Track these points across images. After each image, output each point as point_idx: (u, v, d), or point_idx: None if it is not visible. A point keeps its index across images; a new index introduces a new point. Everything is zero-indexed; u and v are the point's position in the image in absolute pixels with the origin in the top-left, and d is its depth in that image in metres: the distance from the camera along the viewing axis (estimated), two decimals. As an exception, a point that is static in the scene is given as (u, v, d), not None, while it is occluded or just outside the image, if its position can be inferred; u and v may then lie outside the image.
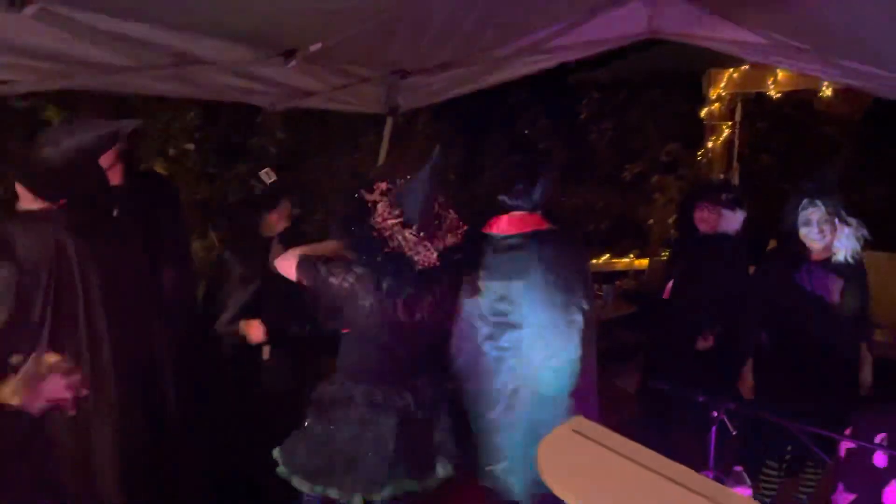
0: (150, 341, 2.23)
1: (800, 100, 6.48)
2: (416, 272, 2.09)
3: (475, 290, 2.33)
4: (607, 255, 6.86)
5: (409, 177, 2.16)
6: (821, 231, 2.79)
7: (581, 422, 1.37)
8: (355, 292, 2.13)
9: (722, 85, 5.91)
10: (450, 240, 2.19)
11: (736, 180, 5.98)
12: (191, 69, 2.43)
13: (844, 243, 2.79)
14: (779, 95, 5.74)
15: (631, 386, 4.31)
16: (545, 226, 2.39)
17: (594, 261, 6.51)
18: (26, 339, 1.84)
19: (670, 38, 3.35)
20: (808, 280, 2.84)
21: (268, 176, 2.79)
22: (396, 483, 2.14)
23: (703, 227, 3.51)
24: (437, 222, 2.19)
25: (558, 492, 1.23)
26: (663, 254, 6.13)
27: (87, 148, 2.01)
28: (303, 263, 2.18)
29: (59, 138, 1.97)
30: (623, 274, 6.55)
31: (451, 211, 2.25)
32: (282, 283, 2.27)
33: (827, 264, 2.83)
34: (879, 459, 2.03)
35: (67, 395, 1.42)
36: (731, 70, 5.77)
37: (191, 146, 5.04)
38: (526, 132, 7.34)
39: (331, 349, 2.35)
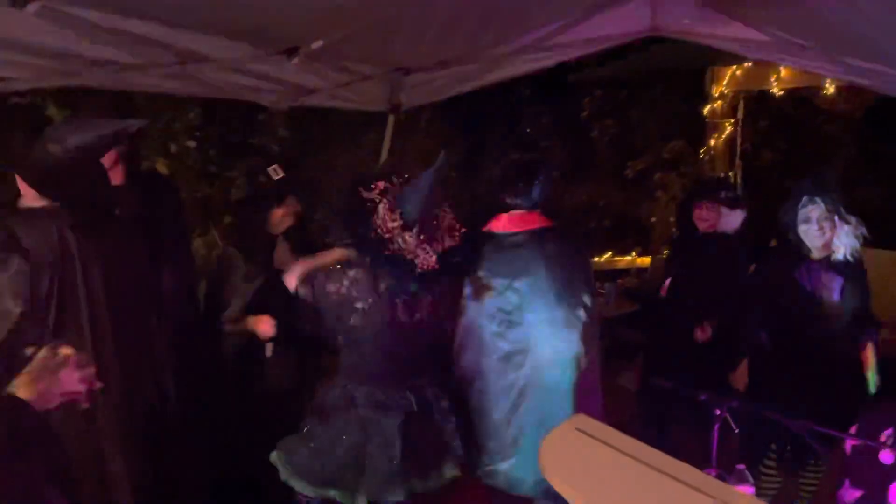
0: (151, 340, 2.23)
1: (801, 97, 6.47)
2: (417, 274, 2.10)
3: (479, 290, 2.33)
4: (609, 253, 6.85)
5: (409, 177, 2.17)
6: (820, 228, 2.78)
7: (583, 419, 1.36)
8: (353, 294, 2.14)
9: (725, 82, 5.90)
10: (448, 242, 2.20)
11: (738, 178, 5.97)
12: (193, 67, 2.43)
13: (844, 241, 2.78)
14: (781, 93, 5.73)
15: (632, 384, 4.31)
16: (546, 223, 2.40)
17: (596, 259, 6.50)
18: (38, 332, 1.86)
19: (673, 35, 3.34)
20: (808, 278, 2.83)
21: (275, 173, 2.78)
22: (405, 485, 2.13)
23: (702, 226, 3.50)
24: (434, 223, 2.19)
25: (561, 490, 1.23)
26: (665, 252, 6.12)
27: (91, 146, 2.01)
28: (302, 284, 2.19)
29: (63, 136, 1.97)
30: (625, 272, 6.54)
31: (449, 211, 2.26)
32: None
33: (826, 262, 2.82)
34: (886, 456, 2.03)
35: (81, 388, 1.41)
36: (735, 67, 5.76)
37: (192, 144, 5.05)
38: (528, 130, 7.33)
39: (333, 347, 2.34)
